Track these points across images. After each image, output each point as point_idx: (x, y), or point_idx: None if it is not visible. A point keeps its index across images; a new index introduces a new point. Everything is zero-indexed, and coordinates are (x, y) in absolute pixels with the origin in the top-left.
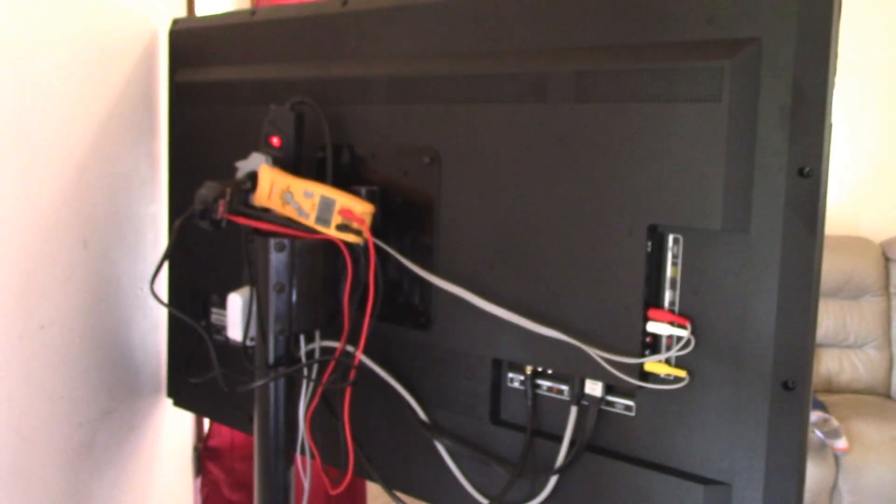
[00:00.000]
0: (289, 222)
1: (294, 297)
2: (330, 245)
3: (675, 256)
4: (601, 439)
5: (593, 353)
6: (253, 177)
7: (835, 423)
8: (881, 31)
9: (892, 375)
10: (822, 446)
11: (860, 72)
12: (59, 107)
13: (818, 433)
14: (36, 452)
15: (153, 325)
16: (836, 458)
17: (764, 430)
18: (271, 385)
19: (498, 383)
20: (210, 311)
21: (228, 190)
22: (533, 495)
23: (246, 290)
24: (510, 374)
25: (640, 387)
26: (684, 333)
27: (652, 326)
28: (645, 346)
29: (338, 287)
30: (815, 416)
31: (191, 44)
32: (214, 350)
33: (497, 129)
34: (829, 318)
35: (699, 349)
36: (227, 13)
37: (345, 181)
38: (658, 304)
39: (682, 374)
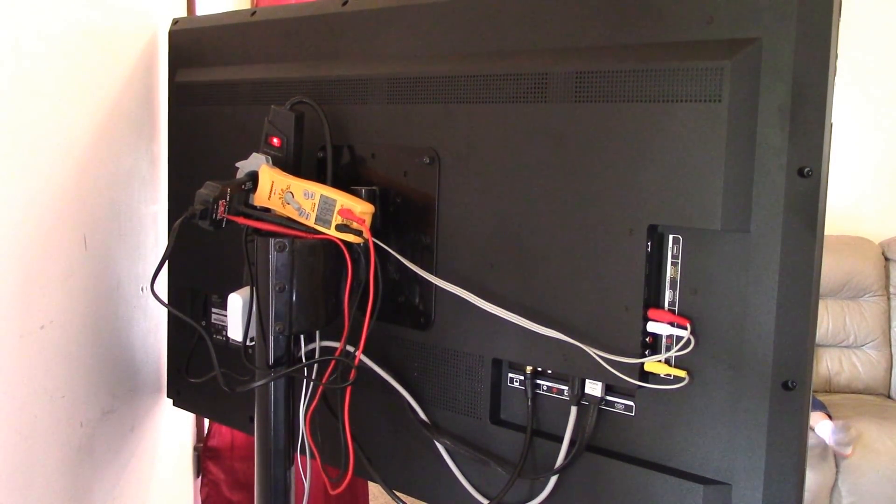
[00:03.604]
0: (289, 222)
1: (294, 297)
2: (330, 245)
3: (675, 256)
4: (601, 439)
5: (593, 353)
6: (253, 177)
7: (854, 432)
8: (881, 31)
9: (892, 375)
10: (824, 447)
11: (860, 72)
12: (59, 106)
13: (830, 436)
14: (36, 452)
15: (153, 325)
16: (836, 459)
17: (764, 430)
18: (271, 385)
19: (498, 383)
20: (210, 311)
21: (228, 190)
22: (533, 495)
23: (246, 290)
24: (510, 374)
25: (640, 387)
26: (684, 333)
27: (652, 326)
28: (645, 346)
29: (338, 287)
30: (838, 421)
31: (191, 44)
32: (214, 350)
33: (497, 129)
34: (829, 318)
35: (699, 349)
36: (226, 13)
37: (345, 181)
38: (658, 304)
39: (681, 374)
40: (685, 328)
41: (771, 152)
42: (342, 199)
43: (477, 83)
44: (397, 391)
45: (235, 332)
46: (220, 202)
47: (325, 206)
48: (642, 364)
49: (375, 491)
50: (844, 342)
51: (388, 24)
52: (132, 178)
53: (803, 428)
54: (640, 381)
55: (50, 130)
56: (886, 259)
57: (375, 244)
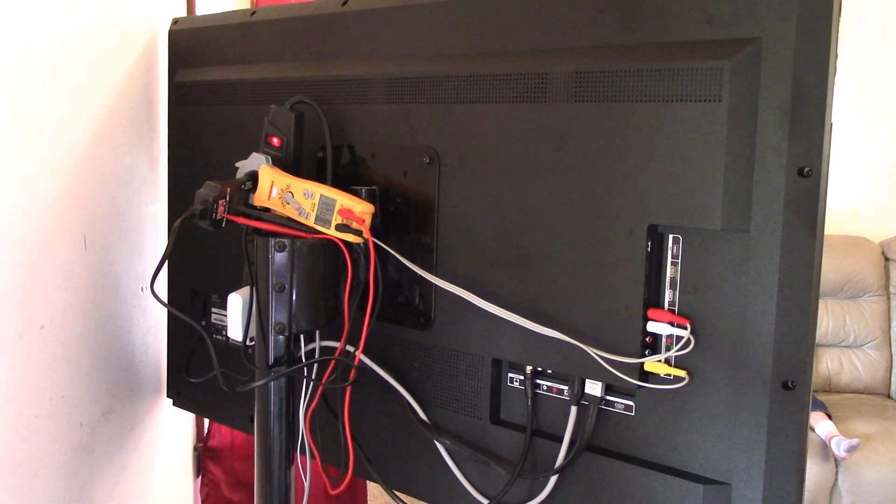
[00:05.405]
0: (289, 222)
1: (294, 297)
2: (330, 245)
3: (674, 256)
4: (601, 439)
5: (593, 353)
6: (253, 177)
7: (857, 441)
8: (882, 30)
9: (892, 375)
10: (823, 446)
11: (861, 72)
12: (59, 106)
13: (840, 450)
14: (36, 452)
15: (153, 325)
16: (836, 458)
17: (764, 430)
18: (271, 385)
19: (498, 383)
20: (210, 311)
21: (228, 190)
22: (533, 495)
23: (246, 290)
24: (510, 374)
25: (640, 387)
26: (684, 333)
27: (652, 326)
28: (645, 346)
29: (338, 287)
30: (853, 440)
31: (190, 44)
32: (214, 350)
33: (497, 129)
34: (829, 318)
35: (699, 349)
36: (226, 13)
37: (345, 181)
38: (658, 304)
39: (681, 374)
40: (685, 328)
41: (771, 152)
42: (342, 199)
43: (477, 83)
44: (397, 391)
45: (235, 332)
46: (220, 202)
47: (325, 206)
48: (642, 364)
49: (375, 491)
50: (844, 342)
51: (388, 24)
52: (132, 178)
53: (803, 428)
54: (639, 380)
55: (50, 130)
56: (886, 259)
57: (375, 244)
